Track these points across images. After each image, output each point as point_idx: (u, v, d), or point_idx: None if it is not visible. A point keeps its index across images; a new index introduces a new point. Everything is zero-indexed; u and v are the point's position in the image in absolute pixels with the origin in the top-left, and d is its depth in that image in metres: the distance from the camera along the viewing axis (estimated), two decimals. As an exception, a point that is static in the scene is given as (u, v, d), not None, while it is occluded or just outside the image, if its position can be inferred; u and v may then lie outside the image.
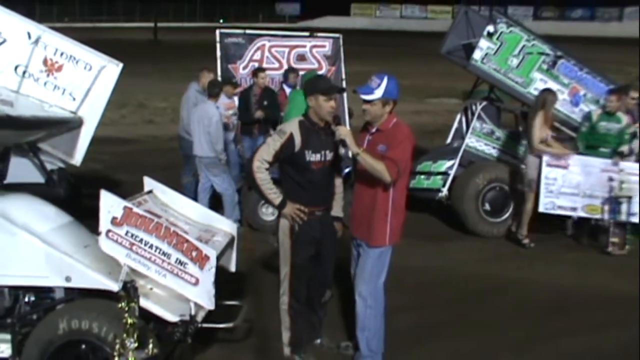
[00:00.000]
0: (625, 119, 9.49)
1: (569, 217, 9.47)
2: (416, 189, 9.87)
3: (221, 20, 64.54)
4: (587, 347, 6.49)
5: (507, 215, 9.79)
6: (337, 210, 5.96)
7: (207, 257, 4.84)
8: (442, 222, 10.35)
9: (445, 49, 10.87)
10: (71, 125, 5.63)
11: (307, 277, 5.85)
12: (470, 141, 10.22)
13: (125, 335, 3.98)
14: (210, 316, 5.12)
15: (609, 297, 7.70)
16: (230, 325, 5.39)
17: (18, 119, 5.14)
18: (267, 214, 9.53)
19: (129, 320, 3.98)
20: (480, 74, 10.38)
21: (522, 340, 6.61)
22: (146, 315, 4.77)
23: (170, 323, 4.93)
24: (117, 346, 4.01)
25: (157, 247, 4.81)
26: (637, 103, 9.89)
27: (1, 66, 5.58)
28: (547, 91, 9.52)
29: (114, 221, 4.81)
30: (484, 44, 9.98)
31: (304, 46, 12.45)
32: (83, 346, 4.81)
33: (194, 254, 4.83)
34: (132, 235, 4.81)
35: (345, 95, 10.54)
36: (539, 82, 10.12)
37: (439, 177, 10.09)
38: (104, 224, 4.81)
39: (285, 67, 12.08)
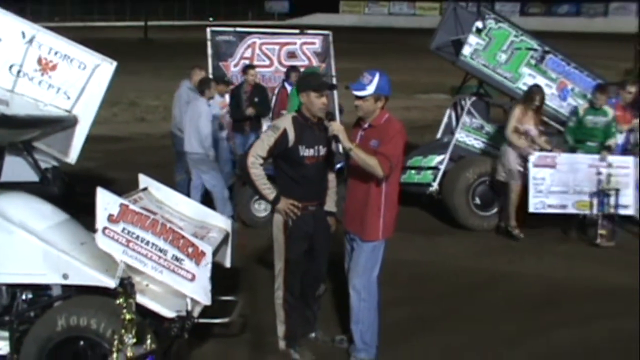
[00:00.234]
0: (611, 112, 9.59)
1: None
2: (407, 184, 9.93)
3: (211, 19, 64.37)
4: (577, 339, 6.57)
5: (497, 208, 9.88)
6: (330, 205, 6.04)
7: (203, 253, 4.88)
8: (433, 217, 10.43)
9: (434, 45, 10.94)
10: (66, 124, 5.66)
11: (301, 272, 5.92)
12: (460, 136, 10.30)
13: (123, 331, 4.03)
14: (206, 311, 5.17)
15: (598, 289, 7.80)
16: (226, 320, 5.44)
17: (13, 118, 5.16)
18: (260, 210, 9.59)
19: (127, 316, 4.03)
20: (469, 70, 10.47)
21: (514, 333, 6.68)
22: (143, 312, 4.81)
23: (167, 319, 4.97)
24: (116, 342, 4.06)
25: (153, 244, 4.85)
26: (635, 97, 9.97)
27: (-4, 65, 5.61)
28: (534, 86, 9.62)
29: (110, 218, 4.85)
30: (472, 39, 10.07)
31: (294, 43, 12.50)
32: (81, 342, 4.85)
33: (190, 250, 4.87)
34: (128, 232, 4.85)
35: (335, 91, 10.60)
36: (527, 77, 10.22)
37: (430, 171, 10.17)
38: (101, 221, 4.85)
39: (276, 64, 12.15)
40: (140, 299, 4.76)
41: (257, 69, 11.48)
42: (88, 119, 5.75)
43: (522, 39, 10.24)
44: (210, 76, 10.63)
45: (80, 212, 5.66)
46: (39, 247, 4.95)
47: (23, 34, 5.61)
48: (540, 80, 10.19)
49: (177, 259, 4.86)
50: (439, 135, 11.21)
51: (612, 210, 9.24)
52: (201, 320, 5.14)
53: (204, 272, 4.88)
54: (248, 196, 9.42)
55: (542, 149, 9.57)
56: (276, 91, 11.30)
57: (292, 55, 12.42)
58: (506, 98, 10.74)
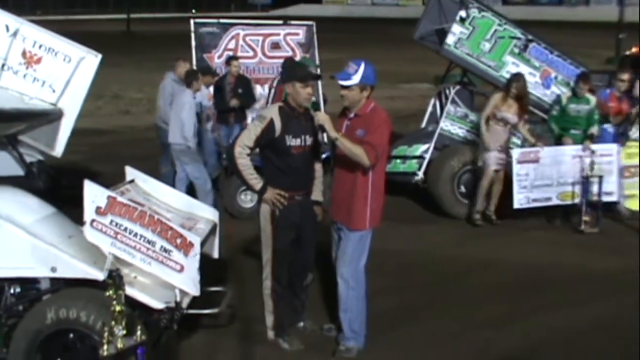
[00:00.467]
0: (593, 100, 9.66)
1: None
2: (392, 173, 9.93)
3: (193, 11, 64.10)
4: (563, 323, 6.63)
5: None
6: (317, 194, 6.07)
7: (191, 244, 4.90)
8: (419, 205, 10.48)
9: (418, 35, 10.98)
10: (51, 117, 5.64)
11: (288, 262, 5.95)
12: (445, 125, 10.34)
13: (113, 322, 4.03)
14: (194, 302, 5.18)
15: (583, 274, 7.88)
16: (215, 311, 5.45)
17: (-2, 112, 5.16)
18: (246, 201, 9.60)
19: (117, 308, 4.03)
20: (453, 59, 10.51)
21: (500, 318, 6.74)
22: (132, 303, 4.81)
23: (156, 310, 4.98)
24: (106, 334, 4.06)
25: (141, 236, 4.86)
26: (630, 85, 10.00)
27: (-20, 60, 5.59)
28: (513, 74, 9.68)
29: (98, 211, 4.85)
30: (456, 29, 10.11)
31: (278, 34, 12.51)
32: (71, 335, 4.85)
33: (178, 241, 4.89)
34: (116, 224, 4.86)
35: (320, 81, 10.60)
36: (511, 66, 10.28)
37: (415, 160, 10.22)
38: (89, 213, 4.85)
39: (260, 55, 12.15)
40: (129, 290, 4.75)
41: (241, 60, 11.47)
42: (74, 112, 5.74)
43: (506, 28, 10.29)
44: (195, 68, 10.62)
45: (66, 205, 5.65)
46: (27, 241, 4.94)
47: (7, 27, 5.59)
48: (524, 69, 10.26)
49: (165, 250, 4.87)
50: (423, 125, 11.26)
51: (595, 197, 9.31)
52: (190, 311, 5.15)
53: (192, 263, 4.90)
54: (234, 187, 9.43)
55: (525, 139, 9.67)
56: (274, 83, 11.25)
57: (275, 46, 12.42)
58: (490, 87, 10.79)
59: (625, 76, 10.00)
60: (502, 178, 9.47)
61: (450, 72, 11.51)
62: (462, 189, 9.91)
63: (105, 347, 4.00)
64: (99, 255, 4.97)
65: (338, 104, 5.94)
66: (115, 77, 21.90)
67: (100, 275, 4.87)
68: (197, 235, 5.06)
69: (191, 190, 9.38)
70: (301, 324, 6.31)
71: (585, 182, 9.29)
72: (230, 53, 11.71)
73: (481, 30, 10.17)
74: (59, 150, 5.80)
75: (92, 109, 17.71)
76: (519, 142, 10.12)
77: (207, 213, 5.82)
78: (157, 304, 4.97)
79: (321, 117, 5.51)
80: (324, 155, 6.41)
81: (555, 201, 9.50)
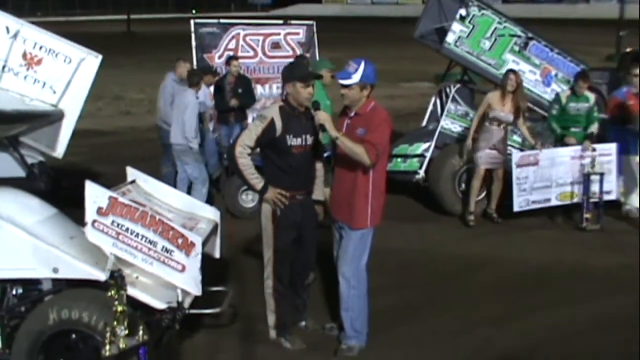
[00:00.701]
0: (592, 98, 9.65)
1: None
2: (394, 172, 9.95)
3: (193, 11, 64.14)
4: (565, 320, 6.64)
5: (483, 194, 9.93)
6: (318, 193, 6.08)
7: (192, 244, 4.90)
8: (419, 204, 10.48)
9: (418, 33, 10.97)
10: (52, 118, 5.65)
11: (290, 261, 5.96)
12: (446, 123, 10.33)
13: (115, 323, 4.04)
14: (196, 302, 5.19)
15: (583, 271, 7.89)
16: (216, 310, 5.45)
17: (-1, 114, 5.17)
18: (248, 200, 9.61)
19: (119, 308, 4.04)
20: (453, 57, 10.51)
21: (502, 315, 6.75)
22: (134, 303, 4.82)
23: (158, 310, 4.99)
24: (108, 334, 4.07)
25: (143, 236, 4.87)
26: None
27: (-19, 62, 5.59)
28: (507, 71, 9.67)
29: (99, 211, 4.86)
30: (456, 27, 10.10)
31: (278, 34, 12.54)
32: (73, 336, 4.87)
33: (179, 241, 4.89)
34: (118, 225, 4.87)
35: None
36: (511, 64, 10.25)
37: (416, 159, 10.21)
38: (90, 214, 4.86)
39: (260, 55, 12.18)
40: (131, 290, 4.76)
41: (242, 60, 11.48)
42: (74, 113, 5.73)
43: (506, 26, 10.28)
44: (195, 68, 10.63)
45: (68, 206, 5.66)
46: (29, 242, 4.95)
47: (7, 28, 5.59)
48: (524, 67, 10.27)
49: (167, 250, 4.88)
50: (424, 123, 11.25)
51: (597, 195, 9.31)
52: (192, 311, 5.16)
53: (194, 262, 4.91)
54: (236, 187, 9.44)
55: (525, 139, 9.67)
56: None
57: (276, 45, 12.45)
58: (491, 85, 10.78)
59: (637, 71, 9.90)
60: (500, 177, 9.48)
61: (450, 70, 11.51)
62: (463, 187, 9.91)
63: (107, 347, 4.02)
64: (100, 256, 4.98)
65: (338, 103, 5.93)
66: (116, 78, 21.94)
67: (102, 276, 4.88)
68: (198, 235, 5.06)
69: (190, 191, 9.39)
70: (303, 323, 6.31)
71: (586, 179, 9.28)
72: (231, 53, 11.73)
73: (481, 28, 10.16)
74: (60, 151, 5.80)
75: (93, 110, 17.74)
76: (519, 139, 10.12)
77: (209, 213, 5.83)
78: (159, 304, 4.98)
79: (321, 116, 5.51)
80: (325, 155, 6.43)
81: (554, 202, 9.52)
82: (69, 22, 53.53)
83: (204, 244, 5.10)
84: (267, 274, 5.95)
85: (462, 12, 10.06)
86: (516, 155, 9.40)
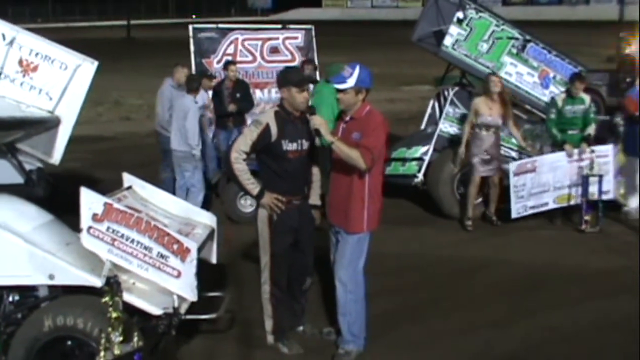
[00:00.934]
0: (588, 99, 9.64)
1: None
2: (392, 176, 9.99)
3: (194, 16, 64.26)
4: (562, 323, 6.63)
5: (481, 199, 9.92)
6: (314, 198, 6.07)
7: (188, 250, 4.91)
8: (419, 207, 10.48)
9: (416, 37, 10.98)
10: (49, 124, 5.65)
11: (287, 266, 5.95)
12: (444, 126, 10.31)
13: (110, 329, 4.05)
14: (193, 308, 5.18)
15: (583, 273, 7.88)
16: (213, 316, 5.46)
17: (-5, 121, 5.17)
18: (246, 205, 9.61)
19: (114, 315, 4.04)
20: (451, 60, 10.51)
21: (501, 318, 6.75)
22: (130, 310, 4.83)
23: (154, 316, 4.99)
24: (103, 340, 4.07)
25: (138, 242, 4.87)
26: None
27: (-24, 69, 5.60)
28: (488, 74, 9.66)
29: (94, 217, 4.86)
30: (454, 30, 10.11)
31: (277, 38, 12.57)
32: (69, 342, 4.86)
33: (175, 247, 4.90)
34: (113, 231, 4.87)
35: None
36: (509, 66, 10.29)
37: (414, 162, 10.19)
38: (85, 220, 4.86)
39: (259, 60, 12.19)
40: (127, 297, 4.76)
41: (240, 65, 11.50)
42: (71, 120, 5.73)
43: (503, 29, 10.29)
44: (193, 73, 10.65)
45: (66, 212, 5.66)
46: (25, 249, 4.95)
47: (3, 36, 5.59)
48: (522, 69, 10.29)
49: (162, 256, 4.88)
50: (422, 126, 11.24)
51: (595, 196, 9.30)
52: (188, 317, 5.16)
53: (189, 268, 4.91)
54: (234, 192, 9.44)
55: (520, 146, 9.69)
56: None
57: (274, 50, 12.48)
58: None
59: None
60: (497, 183, 9.47)
61: (449, 73, 11.50)
62: (462, 190, 9.90)
63: (102, 353, 4.02)
64: (97, 262, 4.97)
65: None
66: (116, 83, 22.00)
67: (98, 282, 4.88)
68: (194, 240, 5.07)
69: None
70: (300, 327, 6.30)
71: (585, 181, 9.26)
72: (229, 58, 11.74)
73: (479, 31, 10.17)
74: (56, 157, 5.79)
75: (93, 115, 17.78)
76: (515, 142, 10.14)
77: (205, 218, 5.83)
78: (155, 310, 4.98)
79: (317, 120, 5.51)
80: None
81: (552, 205, 9.52)
82: (70, 28, 53.69)
83: (199, 249, 5.11)
84: (264, 279, 5.95)
85: (460, 15, 10.07)
86: (514, 164, 9.39)
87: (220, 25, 12.75)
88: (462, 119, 10.38)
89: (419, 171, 10.12)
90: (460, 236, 9.34)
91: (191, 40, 11.95)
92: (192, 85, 9.41)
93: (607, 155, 9.49)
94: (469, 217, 9.51)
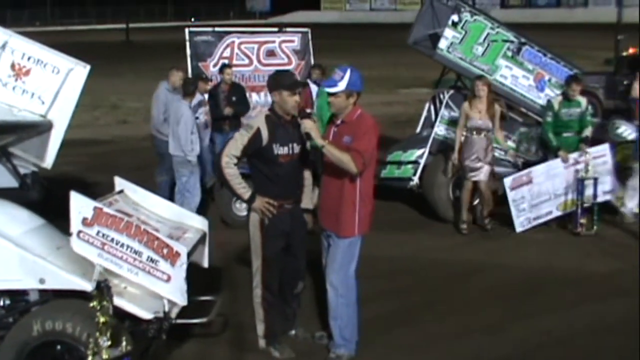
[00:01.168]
0: (584, 102, 9.63)
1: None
2: (388, 179, 9.99)
3: (192, 19, 64.30)
4: (558, 327, 6.62)
5: (477, 201, 9.91)
6: (306, 202, 6.06)
7: (178, 254, 4.91)
8: (414, 210, 10.46)
9: (411, 40, 10.98)
10: (41, 128, 5.66)
11: (278, 270, 5.94)
12: (439, 129, 10.29)
13: (98, 334, 4.04)
14: (184, 312, 5.18)
15: (579, 276, 7.87)
16: (204, 320, 5.45)
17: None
18: (241, 209, 9.57)
19: (102, 319, 4.04)
20: (446, 63, 10.50)
21: (495, 321, 6.74)
22: (121, 314, 4.83)
23: (145, 320, 4.99)
24: (91, 345, 4.07)
25: (128, 246, 4.88)
26: None
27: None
28: (475, 78, 9.65)
29: (84, 222, 4.86)
30: (449, 33, 10.10)
31: (273, 42, 12.57)
32: (58, 347, 4.85)
33: (165, 251, 4.90)
34: (103, 235, 4.87)
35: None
36: (504, 69, 10.28)
37: (410, 166, 10.17)
38: (75, 224, 4.87)
39: (255, 63, 12.18)
40: (118, 301, 4.77)
41: (237, 68, 11.50)
42: (63, 123, 5.75)
43: (498, 31, 10.28)
44: (189, 76, 10.64)
45: (59, 216, 5.66)
46: (15, 253, 4.95)
47: (-5, 40, 5.61)
48: (518, 72, 10.29)
49: (152, 260, 4.88)
50: (418, 129, 11.23)
51: (591, 200, 9.29)
52: (179, 321, 5.16)
53: (179, 272, 4.91)
54: (229, 196, 9.39)
55: (517, 144, 9.68)
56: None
57: (271, 53, 12.48)
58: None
59: None
60: (484, 188, 9.41)
61: (444, 76, 11.50)
62: (458, 193, 9.89)
63: (90, 358, 4.01)
64: (88, 267, 4.98)
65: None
66: (114, 87, 22.02)
67: (88, 286, 4.87)
68: (184, 245, 5.07)
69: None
70: (292, 332, 6.29)
71: (580, 184, 9.25)
72: (226, 61, 11.73)
73: (473, 34, 10.16)
74: (49, 161, 5.80)
75: (90, 119, 17.80)
76: (513, 145, 10.14)
77: (197, 222, 5.83)
78: (146, 314, 4.98)
79: (307, 124, 5.49)
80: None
81: (556, 213, 9.52)
82: (68, 32, 53.73)
83: (190, 253, 5.10)
84: (255, 283, 5.94)
85: (455, 18, 10.07)
86: (508, 180, 9.37)
87: (217, 29, 12.75)
88: (457, 122, 10.38)
89: (414, 174, 10.09)
90: (456, 240, 9.33)
91: (187, 44, 11.95)
92: (188, 89, 9.39)
93: (604, 155, 9.47)
94: (464, 221, 9.50)
